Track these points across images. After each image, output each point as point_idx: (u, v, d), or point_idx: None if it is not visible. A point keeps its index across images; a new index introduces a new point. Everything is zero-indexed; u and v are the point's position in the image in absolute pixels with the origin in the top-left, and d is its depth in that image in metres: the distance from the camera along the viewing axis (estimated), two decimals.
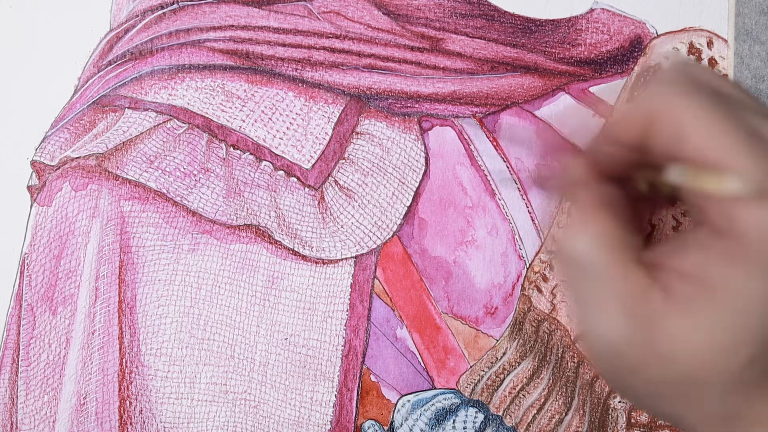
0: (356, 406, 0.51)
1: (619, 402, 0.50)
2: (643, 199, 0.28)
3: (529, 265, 0.51)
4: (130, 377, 0.51)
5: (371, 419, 0.51)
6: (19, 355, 0.51)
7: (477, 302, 0.51)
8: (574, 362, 0.50)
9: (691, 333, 0.23)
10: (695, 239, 0.25)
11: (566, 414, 0.50)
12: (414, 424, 0.50)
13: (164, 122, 0.52)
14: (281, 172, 0.52)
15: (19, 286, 0.51)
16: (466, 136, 0.52)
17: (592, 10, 0.52)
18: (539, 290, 0.51)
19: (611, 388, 0.27)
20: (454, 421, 0.50)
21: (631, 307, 0.24)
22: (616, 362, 0.25)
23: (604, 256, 0.25)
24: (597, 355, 0.25)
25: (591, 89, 0.52)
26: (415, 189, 0.52)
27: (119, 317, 0.51)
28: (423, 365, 0.51)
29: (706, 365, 0.23)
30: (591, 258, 0.25)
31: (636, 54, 0.52)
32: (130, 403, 0.51)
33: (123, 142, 0.52)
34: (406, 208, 0.52)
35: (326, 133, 0.52)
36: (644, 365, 0.24)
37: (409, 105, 0.52)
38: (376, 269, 0.51)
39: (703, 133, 0.24)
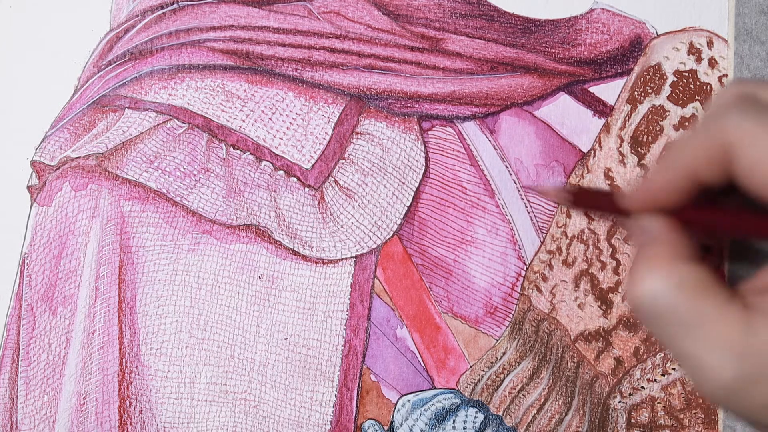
0: (356, 406, 0.51)
1: (619, 402, 0.50)
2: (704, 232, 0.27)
3: (529, 265, 0.51)
4: (130, 377, 0.51)
5: (371, 419, 0.51)
6: (19, 355, 0.51)
7: (477, 302, 0.51)
8: (574, 362, 0.50)
9: None
10: None
11: (566, 414, 0.50)
12: (414, 424, 0.50)
13: (164, 122, 0.52)
14: (281, 172, 0.52)
15: (19, 286, 0.51)
16: (466, 136, 0.52)
17: (591, 10, 0.52)
18: (539, 290, 0.51)
19: (740, 421, 0.26)
20: (454, 421, 0.50)
21: (736, 342, 0.23)
22: (737, 400, 0.24)
23: (691, 297, 0.24)
24: (714, 398, 0.24)
25: (591, 89, 0.52)
26: (415, 189, 0.52)
27: (119, 317, 0.51)
28: (423, 365, 0.51)
29: None
30: (678, 303, 0.24)
31: (636, 54, 0.52)
32: (130, 403, 0.51)
33: (123, 142, 0.52)
34: (406, 208, 0.52)
35: (326, 133, 0.52)
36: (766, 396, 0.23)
37: (409, 105, 0.52)
38: (376, 269, 0.51)
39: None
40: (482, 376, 0.51)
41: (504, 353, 0.51)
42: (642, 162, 0.51)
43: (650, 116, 0.52)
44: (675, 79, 0.52)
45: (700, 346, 0.24)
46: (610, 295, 0.51)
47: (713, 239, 0.27)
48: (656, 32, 0.52)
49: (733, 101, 0.25)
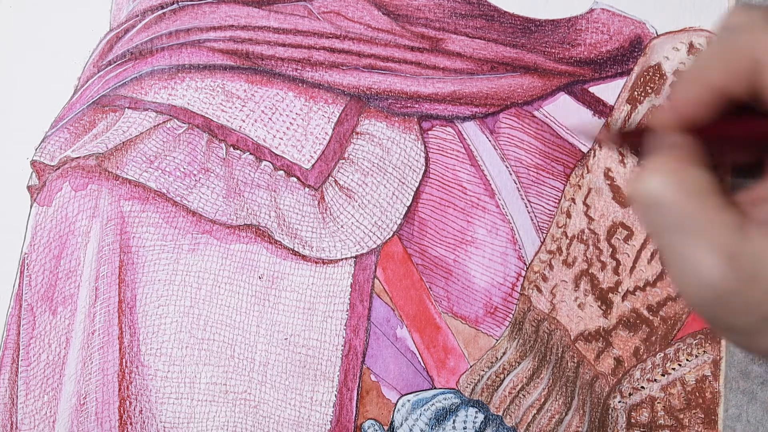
0: (356, 406, 0.51)
1: (619, 402, 0.50)
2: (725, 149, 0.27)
3: (529, 265, 0.51)
4: (130, 377, 0.51)
5: (371, 419, 0.51)
6: (19, 355, 0.51)
7: (477, 302, 0.51)
8: (574, 362, 0.50)
9: None
10: None
11: (566, 414, 0.50)
12: (414, 424, 0.50)
13: (164, 122, 0.52)
14: (281, 172, 0.52)
15: (19, 286, 0.51)
16: (466, 136, 0.52)
17: (591, 10, 0.52)
18: (539, 290, 0.51)
19: (716, 331, 0.26)
20: (454, 421, 0.50)
21: (728, 245, 0.24)
22: (722, 305, 0.24)
23: (691, 198, 0.24)
24: (698, 301, 0.25)
25: (591, 89, 0.52)
26: (415, 189, 0.52)
27: (119, 317, 0.51)
28: (423, 365, 0.51)
29: None
30: (677, 202, 0.25)
31: (636, 54, 0.52)
32: (130, 403, 0.51)
33: (123, 142, 0.52)
34: (406, 208, 0.52)
35: (326, 133, 0.52)
36: (753, 303, 0.24)
37: (409, 105, 0.52)
38: (376, 269, 0.51)
39: None
40: (482, 376, 0.51)
41: (504, 353, 0.51)
42: (642, 162, 0.51)
43: (650, 116, 0.52)
44: (675, 79, 0.52)
45: (693, 246, 0.24)
46: (610, 295, 0.51)
47: (744, 152, 0.27)
48: (656, 32, 0.52)
49: (757, 18, 0.26)
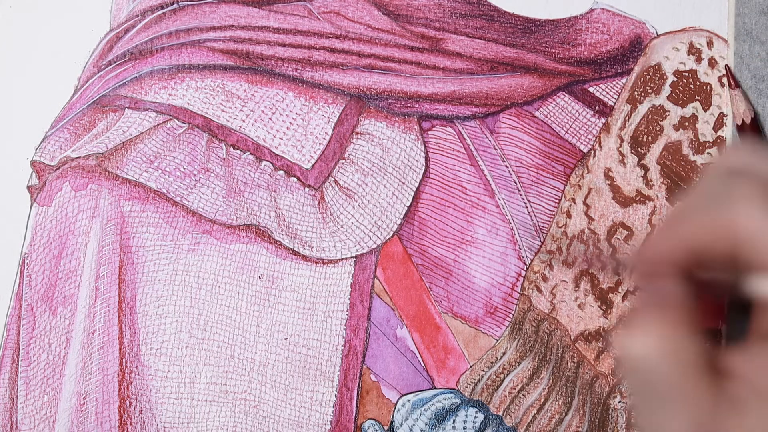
0: (356, 406, 0.51)
1: (619, 402, 0.50)
2: (706, 302, 0.28)
3: (529, 265, 0.51)
4: (130, 377, 0.51)
5: (371, 419, 0.51)
6: (19, 355, 0.51)
7: (477, 302, 0.51)
8: (574, 362, 0.50)
9: None
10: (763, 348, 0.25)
11: (566, 414, 0.50)
12: (414, 424, 0.50)
13: (164, 122, 0.52)
14: (281, 172, 0.52)
15: (19, 286, 0.51)
16: (465, 136, 0.52)
17: (591, 10, 0.52)
18: (539, 290, 0.51)
19: None
20: (454, 421, 0.50)
21: (702, 426, 0.24)
22: None
23: (674, 368, 0.25)
24: None
25: (591, 89, 0.52)
26: (415, 189, 0.52)
27: (119, 317, 0.51)
28: (423, 365, 0.51)
29: None
30: (660, 371, 0.25)
31: (636, 54, 0.52)
32: (130, 403, 0.51)
33: (123, 142, 0.52)
34: (406, 208, 0.52)
35: (326, 133, 0.52)
36: None
37: (409, 105, 0.52)
38: (376, 269, 0.51)
39: None
40: (482, 376, 0.51)
41: (504, 353, 0.51)
42: (642, 162, 0.51)
43: (650, 116, 0.52)
44: (675, 79, 0.52)
45: (669, 417, 0.25)
46: (610, 295, 0.51)
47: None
48: (656, 32, 0.52)
49: (742, 191, 0.26)
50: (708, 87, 0.52)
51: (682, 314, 0.26)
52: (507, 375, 0.51)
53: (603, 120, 0.52)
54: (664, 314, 0.26)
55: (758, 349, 0.26)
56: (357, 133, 0.52)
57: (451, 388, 0.51)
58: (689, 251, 0.27)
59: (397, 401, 0.51)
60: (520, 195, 0.52)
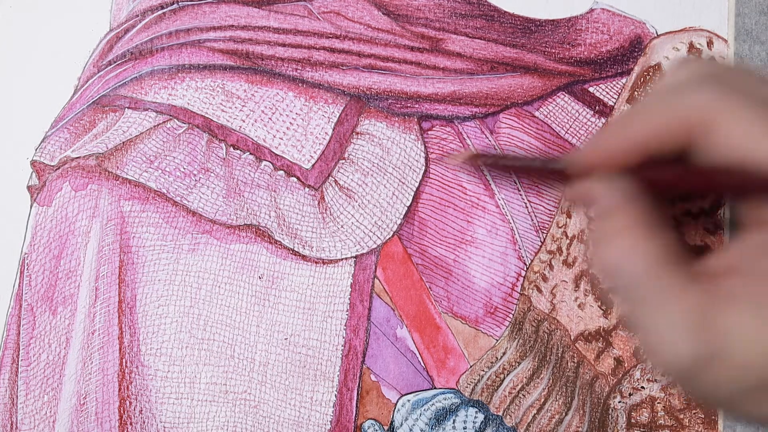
0: (356, 406, 0.51)
1: (619, 402, 0.50)
2: (679, 211, 0.27)
3: (529, 265, 0.51)
4: (130, 377, 0.51)
5: (371, 419, 0.51)
6: (19, 355, 0.51)
7: (477, 302, 0.51)
8: (574, 362, 0.50)
9: (760, 331, 0.23)
10: (745, 238, 0.25)
11: (566, 414, 0.50)
12: (414, 424, 0.50)
13: (164, 122, 0.52)
14: (281, 172, 0.52)
15: (19, 286, 0.51)
16: (466, 136, 0.52)
17: (591, 10, 0.52)
18: (539, 290, 0.51)
19: (694, 400, 0.26)
20: (454, 421, 0.50)
21: (695, 324, 0.24)
22: (694, 378, 0.24)
23: (659, 274, 0.24)
24: (670, 374, 0.25)
25: (591, 89, 0.52)
26: (415, 189, 0.52)
27: (119, 317, 0.51)
28: (423, 365, 0.51)
29: None
30: (645, 277, 0.24)
31: (636, 54, 0.52)
32: (130, 403, 0.51)
33: (123, 142, 0.52)
34: (406, 208, 0.52)
35: (326, 133, 0.52)
36: (724, 378, 0.24)
37: (409, 105, 0.52)
38: (376, 269, 0.51)
39: (745, 134, 0.24)
40: (482, 376, 0.51)
41: (504, 353, 0.51)
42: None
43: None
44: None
45: (660, 321, 0.24)
46: (611, 295, 0.51)
47: (668, 200, 0.27)
48: (656, 32, 0.52)
49: (699, 78, 0.26)
50: None
51: (645, 212, 0.25)
52: (507, 375, 0.51)
53: (603, 120, 0.52)
54: (632, 216, 0.25)
55: (752, 238, 0.25)
56: (357, 133, 0.52)
57: (451, 388, 0.51)
58: (641, 145, 0.26)
59: (397, 401, 0.51)
60: (520, 195, 0.52)
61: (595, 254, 0.26)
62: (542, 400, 0.50)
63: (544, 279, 0.51)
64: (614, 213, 0.26)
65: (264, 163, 0.52)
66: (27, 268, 0.51)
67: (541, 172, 0.28)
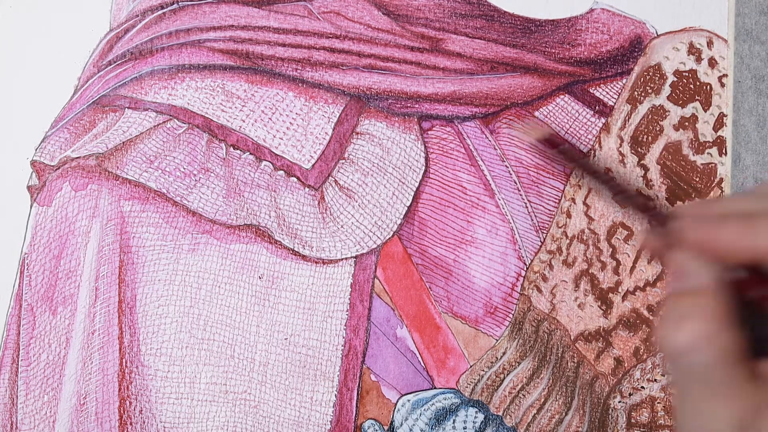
0: (356, 406, 0.51)
1: (619, 402, 0.50)
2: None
3: (529, 265, 0.51)
4: (130, 377, 0.51)
5: (371, 419, 0.51)
6: (19, 355, 0.51)
7: (477, 302, 0.51)
8: (574, 362, 0.50)
9: None
10: None
11: (566, 414, 0.50)
12: (414, 424, 0.50)
13: (164, 122, 0.52)
14: (281, 172, 0.52)
15: (19, 286, 0.51)
16: (466, 136, 0.52)
17: (591, 10, 0.52)
18: (539, 290, 0.51)
19: None
20: (454, 421, 0.50)
21: (743, 420, 0.24)
22: None
23: (725, 367, 0.25)
24: None
25: (591, 89, 0.52)
26: (415, 189, 0.52)
27: (119, 317, 0.51)
28: (423, 365, 0.51)
29: None
30: (707, 362, 0.25)
31: (636, 54, 0.52)
32: (130, 403, 0.51)
33: (123, 142, 0.52)
34: (406, 208, 0.52)
35: (326, 133, 0.52)
36: None
37: (409, 105, 0.52)
38: (376, 269, 0.51)
39: None
40: (482, 376, 0.51)
41: (504, 353, 0.51)
42: (642, 162, 0.51)
43: (650, 116, 0.52)
44: (675, 79, 0.52)
45: (711, 407, 0.25)
46: (610, 295, 0.51)
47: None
48: (656, 32, 0.52)
49: None
50: (708, 87, 0.52)
51: (725, 305, 0.25)
52: (507, 375, 0.51)
53: (603, 120, 0.52)
54: (713, 303, 0.25)
55: None
56: (357, 133, 0.52)
57: (451, 388, 0.51)
58: (758, 255, 0.26)
59: (397, 401, 0.51)
60: (520, 195, 0.52)
61: (664, 329, 0.26)
62: (542, 400, 0.50)
63: (544, 279, 0.51)
64: (698, 295, 0.26)
65: (264, 163, 0.52)
66: (27, 268, 0.51)
67: (634, 202, 0.28)
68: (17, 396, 0.51)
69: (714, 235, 0.26)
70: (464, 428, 0.50)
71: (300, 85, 0.52)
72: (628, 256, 0.51)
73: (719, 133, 0.51)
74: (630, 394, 0.50)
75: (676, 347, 0.25)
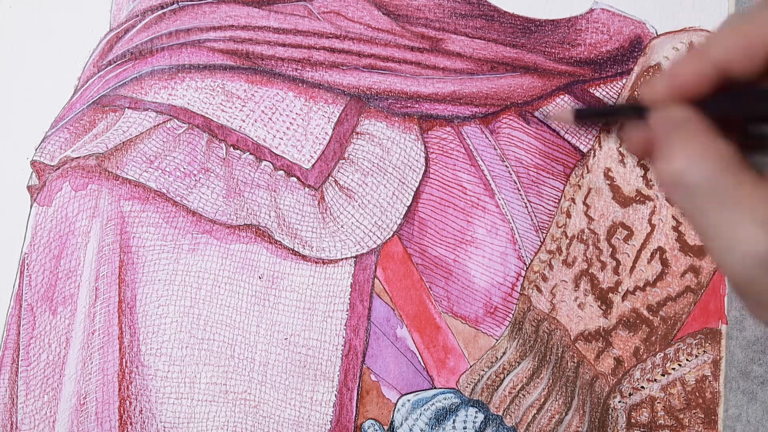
0: (356, 406, 0.51)
1: (619, 402, 0.50)
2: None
3: (529, 265, 0.51)
4: (130, 377, 0.51)
5: (371, 419, 0.51)
6: (19, 355, 0.51)
7: (477, 302, 0.51)
8: (574, 362, 0.50)
9: None
10: None
11: (566, 414, 0.50)
12: (414, 424, 0.50)
13: (164, 122, 0.52)
14: (281, 172, 0.52)
15: (19, 286, 0.51)
16: (466, 136, 0.52)
17: (591, 10, 0.52)
18: (539, 290, 0.51)
19: (754, 310, 0.26)
20: (454, 421, 0.50)
21: (765, 219, 0.24)
22: (766, 276, 0.24)
23: (722, 172, 0.25)
24: (741, 275, 0.25)
25: (591, 89, 0.52)
26: (415, 189, 0.52)
27: (119, 317, 0.51)
28: (423, 365, 0.51)
29: None
30: (709, 177, 0.25)
31: (636, 54, 0.52)
32: (130, 403, 0.51)
33: (123, 142, 0.52)
34: (406, 208, 0.52)
35: (326, 133, 0.52)
36: None
37: (409, 105, 0.52)
38: (376, 269, 0.51)
39: None
40: (482, 376, 0.51)
41: (504, 353, 0.51)
42: (642, 162, 0.51)
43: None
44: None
45: (733, 219, 0.24)
46: (610, 295, 0.51)
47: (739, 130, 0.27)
48: (656, 32, 0.52)
49: None
50: None
51: (706, 122, 0.25)
52: (507, 375, 0.51)
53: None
54: (697, 128, 0.25)
55: None
56: (357, 133, 0.52)
57: (451, 388, 0.51)
58: (717, 64, 0.26)
59: (397, 401, 0.51)
60: (520, 195, 0.52)
61: (659, 166, 0.26)
62: (542, 400, 0.50)
63: (544, 279, 0.51)
64: (678, 128, 0.26)
65: (264, 163, 0.52)
66: (27, 268, 0.51)
67: (626, 114, 0.28)
68: (17, 396, 0.51)
69: (674, 72, 0.27)
70: (464, 428, 0.50)
71: (300, 85, 0.52)
72: (628, 256, 0.51)
73: None
74: (630, 394, 0.50)
75: (675, 174, 0.25)
